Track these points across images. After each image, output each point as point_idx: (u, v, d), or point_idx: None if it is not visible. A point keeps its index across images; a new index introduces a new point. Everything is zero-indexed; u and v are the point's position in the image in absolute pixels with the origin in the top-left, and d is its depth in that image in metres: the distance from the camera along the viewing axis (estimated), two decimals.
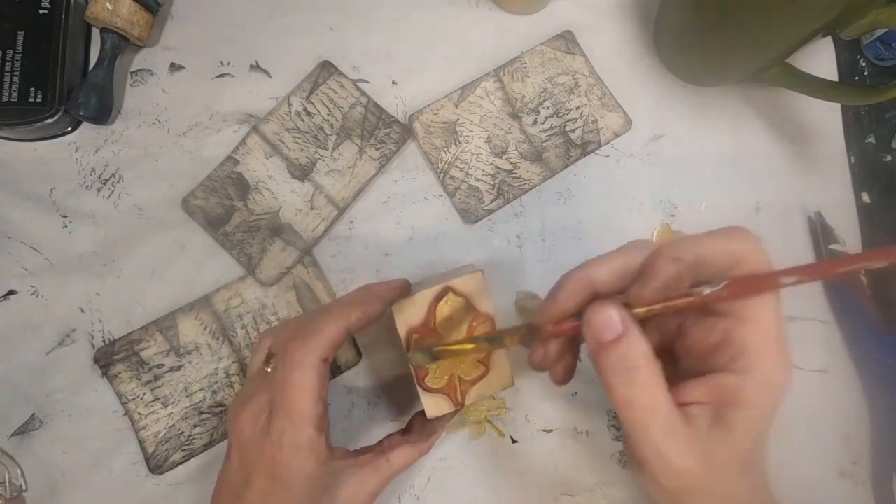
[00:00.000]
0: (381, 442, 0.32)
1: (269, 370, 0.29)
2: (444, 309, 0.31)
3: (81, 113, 0.38)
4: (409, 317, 0.31)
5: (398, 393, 0.38)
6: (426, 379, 0.31)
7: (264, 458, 0.26)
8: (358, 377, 0.38)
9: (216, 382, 0.37)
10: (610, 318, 0.23)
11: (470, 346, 0.28)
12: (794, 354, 0.41)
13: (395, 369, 0.39)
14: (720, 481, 0.23)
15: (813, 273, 0.23)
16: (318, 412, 0.27)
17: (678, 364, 0.26)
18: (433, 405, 0.31)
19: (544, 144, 0.41)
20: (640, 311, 0.23)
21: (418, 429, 0.33)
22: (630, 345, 0.22)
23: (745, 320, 0.23)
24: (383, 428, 0.38)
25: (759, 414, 0.23)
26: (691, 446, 0.22)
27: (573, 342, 0.28)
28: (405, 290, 0.32)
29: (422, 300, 0.31)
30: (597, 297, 0.25)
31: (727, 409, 0.23)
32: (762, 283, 0.23)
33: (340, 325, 0.28)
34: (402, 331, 0.31)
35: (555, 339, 0.27)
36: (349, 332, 0.28)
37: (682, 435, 0.22)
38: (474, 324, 0.32)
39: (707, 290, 0.23)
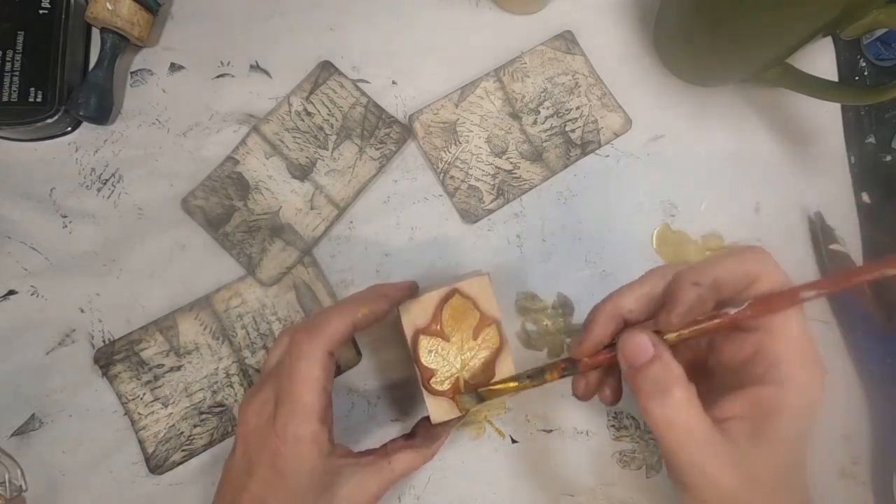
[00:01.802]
0: (385, 445, 0.32)
1: None
2: (450, 311, 0.32)
3: (81, 113, 0.38)
4: (415, 317, 0.31)
5: (398, 393, 0.38)
6: (432, 381, 0.31)
7: (267, 448, 0.27)
8: (358, 377, 0.38)
9: (216, 382, 0.37)
10: (641, 343, 0.24)
11: (514, 384, 0.30)
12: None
13: (396, 369, 0.39)
14: (762, 497, 0.23)
15: (830, 285, 0.23)
16: (323, 404, 0.27)
17: (712, 379, 0.27)
18: (438, 410, 0.31)
19: (544, 144, 0.41)
20: (671, 336, 0.25)
21: (422, 434, 0.33)
22: (662, 366, 0.23)
23: (775, 332, 0.24)
24: (383, 428, 0.38)
25: (797, 424, 0.23)
26: (732, 462, 0.22)
27: (612, 368, 0.29)
28: (413, 291, 0.32)
29: (428, 301, 0.31)
30: (627, 325, 0.26)
31: (765, 420, 0.23)
32: (783, 299, 0.23)
33: (346, 320, 0.28)
34: (408, 331, 0.31)
35: (593, 369, 0.28)
36: (355, 328, 0.28)
37: (722, 452, 0.22)
38: (480, 326, 0.32)
39: (731, 311, 0.24)
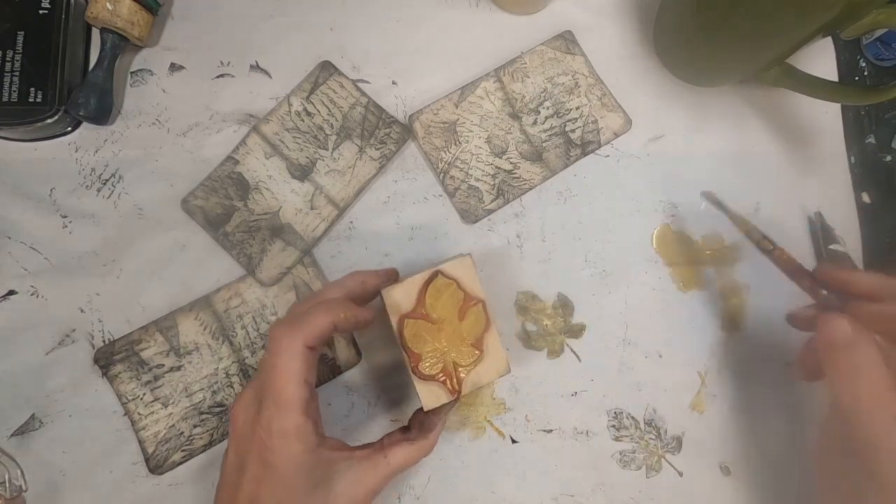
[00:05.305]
0: (381, 439, 0.32)
1: None
2: (434, 292, 0.31)
3: (81, 113, 0.38)
4: (399, 302, 0.31)
5: (398, 393, 0.38)
6: (420, 365, 0.30)
7: (255, 444, 0.27)
8: (358, 377, 0.38)
9: (216, 382, 0.37)
10: (840, 325, 0.27)
11: None
12: (793, 353, 0.40)
13: (396, 369, 0.39)
14: None
15: None
16: (304, 397, 0.27)
17: None
18: (429, 395, 0.30)
19: (544, 144, 0.41)
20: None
21: (417, 426, 0.32)
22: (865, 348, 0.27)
23: None
24: (383, 428, 0.38)
25: None
26: None
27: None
28: (392, 277, 0.32)
29: (411, 285, 0.31)
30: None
31: None
32: None
33: (327, 319, 0.28)
34: (393, 317, 0.31)
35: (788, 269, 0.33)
36: (336, 328, 0.29)
37: None
38: (465, 306, 0.31)
39: None
